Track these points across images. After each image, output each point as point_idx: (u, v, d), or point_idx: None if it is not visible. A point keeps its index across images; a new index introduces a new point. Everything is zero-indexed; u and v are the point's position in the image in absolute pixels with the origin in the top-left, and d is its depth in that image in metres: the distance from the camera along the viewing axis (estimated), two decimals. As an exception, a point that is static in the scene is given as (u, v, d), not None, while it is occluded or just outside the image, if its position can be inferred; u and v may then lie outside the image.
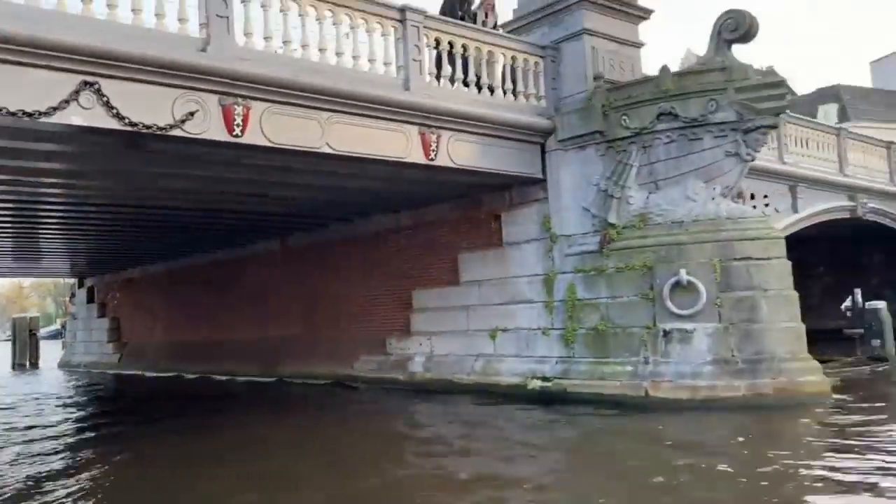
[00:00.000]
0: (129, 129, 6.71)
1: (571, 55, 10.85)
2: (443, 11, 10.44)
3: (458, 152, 9.68)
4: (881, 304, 13.05)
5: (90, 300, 25.94)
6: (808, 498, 5.13)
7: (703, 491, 5.46)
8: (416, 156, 9.19)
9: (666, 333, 9.09)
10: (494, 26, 11.11)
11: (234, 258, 17.63)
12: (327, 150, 8.30)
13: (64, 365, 26.83)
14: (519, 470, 6.50)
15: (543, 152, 10.75)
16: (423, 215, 12.72)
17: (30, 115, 6.22)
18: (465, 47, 10.04)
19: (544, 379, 10.16)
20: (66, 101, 6.37)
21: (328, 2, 8.52)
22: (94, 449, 8.55)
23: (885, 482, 5.31)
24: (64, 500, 5.89)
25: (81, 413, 12.60)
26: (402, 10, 9.26)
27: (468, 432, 8.43)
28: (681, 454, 6.63)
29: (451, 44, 9.89)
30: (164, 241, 16.65)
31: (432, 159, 9.32)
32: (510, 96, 10.59)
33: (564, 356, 10.10)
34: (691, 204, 9.46)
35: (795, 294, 9.15)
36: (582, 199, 10.31)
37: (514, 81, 10.68)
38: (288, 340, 15.76)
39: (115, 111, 6.59)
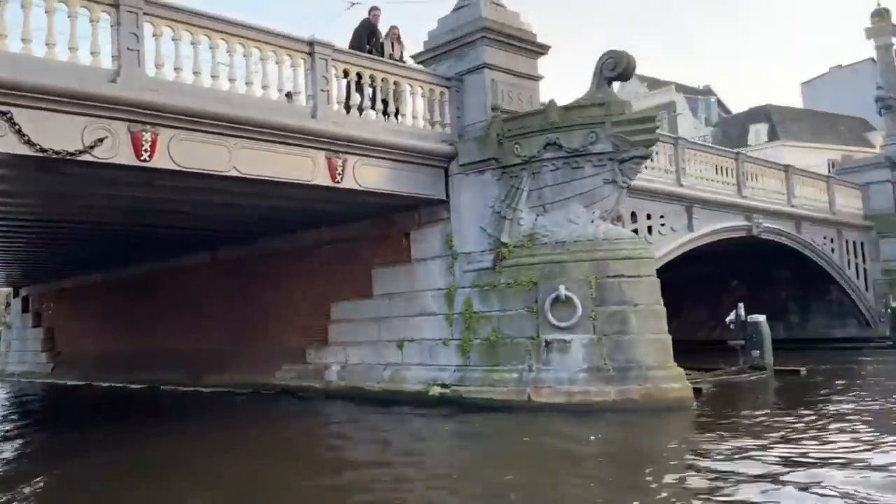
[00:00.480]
0: (39, 154, 7.33)
1: (473, 87, 11.78)
2: (352, 44, 11.25)
3: (364, 176, 10.48)
4: (761, 318, 14.22)
5: (25, 310, 25.91)
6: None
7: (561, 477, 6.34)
8: (323, 179, 9.96)
9: (547, 344, 10.01)
10: (401, 56, 11.96)
11: (165, 270, 18.07)
12: (235, 173, 9.02)
13: None
14: (385, 460, 7.31)
15: (447, 176, 11.62)
16: (341, 232, 13.46)
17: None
18: (372, 78, 10.88)
19: (443, 386, 10.98)
20: (-21, 129, 6.98)
21: (238, 35, 9.26)
22: (16, 462, 8.93)
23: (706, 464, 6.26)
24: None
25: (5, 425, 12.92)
26: (311, 43, 10.05)
27: (353, 432, 9.22)
28: (549, 447, 7.56)
29: (359, 74, 10.72)
30: (93, 253, 17.03)
31: (338, 182, 10.10)
32: (417, 123, 11.46)
33: (461, 364, 10.95)
34: (573, 226, 10.43)
35: (663, 309, 10.17)
36: (480, 220, 11.21)
37: (423, 109, 11.57)
38: (216, 351, 16.26)
39: (26, 138, 7.21)
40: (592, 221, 10.48)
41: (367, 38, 11.39)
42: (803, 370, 13.90)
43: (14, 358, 26.54)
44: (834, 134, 66.96)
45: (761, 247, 18.94)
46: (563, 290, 9.91)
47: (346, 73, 10.60)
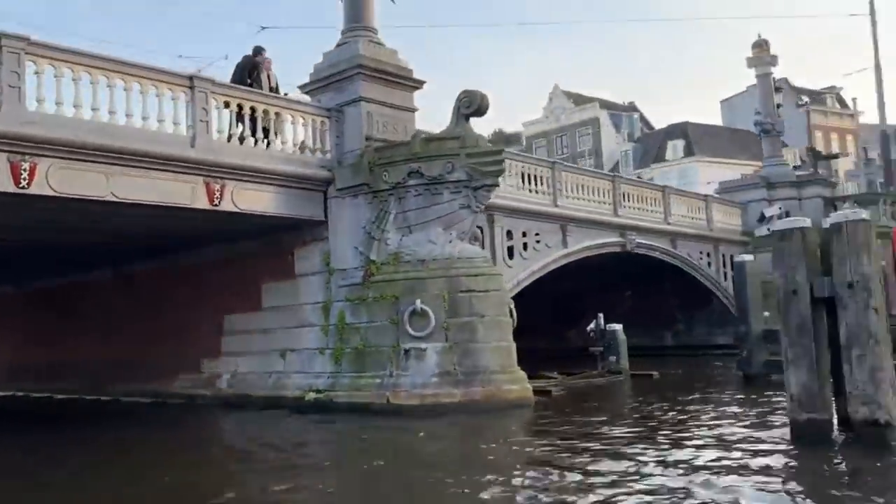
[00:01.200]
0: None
1: (352, 118, 12.89)
2: (234, 79, 12.25)
3: (242, 199, 11.47)
4: (618, 327, 15.75)
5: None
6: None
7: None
8: (202, 203, 10.91)
9: (406, 352, 11.17)
10: (276, 85, 12.98)
11: (73, 283, 18.55)
12: (112, 198, 9.91)
13: None
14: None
15: (326, 199, 12.70)
16: (235, 249, 14.31)
17: None
18: (253, 109, 11.89)
19: (318, 391, 12.01)
20: None
21: (118, 71, 10.16)
22: None
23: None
24: None
25: None
26: (191, 77, 11.02)
27: (226, 433, 10.20)
28: (390, 441, 8.73)
29: (240, 106, 11.71)
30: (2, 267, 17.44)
31: (216, 205, 11.06)
32: (298, 150, 12.51)
33: (334, 371, 12.01)
34: (432, 246, 11.64)
35: (508, 320, 11.47)
36: (354, 240, 12.31)
37: (308, 137, 12.64)
38: (121, 362, 16.85)
39: None
40: (450, 241, 11.71)
41: (249, 72, 12.39)
42: (656, 374, 15.46)
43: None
44: (748, 150, 70.67)
45: (649, 260, 20.63)
46: (419, 304, 11.10)
47: (227, 105, 11.58)
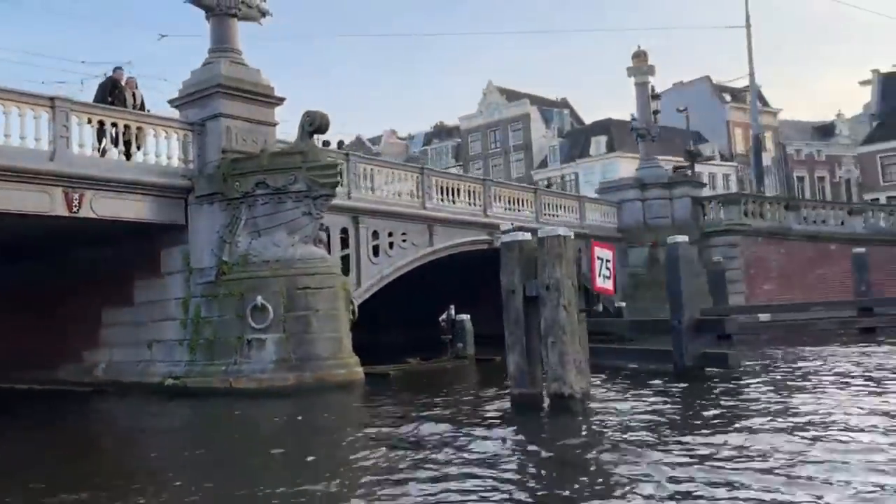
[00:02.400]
0: None
1: (212, 131, 14.35)
2: (97, 98, 13.61)
3: (102, 206, 12.87)
4: (466, 317, 17.65)
5: None
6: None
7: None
8: (61, 210, 12.29)
9: (248, 342, 12.78)
10: (142, 102, 14.37)
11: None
12: (86, 215, 11.26)
13: None
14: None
15: (187, 205, 14.16)
16: (111, 249, 15.61)
17: None
18: (114, 124, 13.27)
19: (175, 378, 13.51)
20: None
21: (-19, 95, 11.45)
22: None
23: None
24: None
25: None
26: (52, 98, 12.35)
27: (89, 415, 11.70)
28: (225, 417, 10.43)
29: (101, 122, 13.08)
30: None
31: (75, 212, 12.45)
32: (161, 160, 13.93)
33: (189, 360, 13.53)
34: (276, 249, 13.25)
35: (342, 313, 13.17)
36: (209, 242, 13.82)
37: (175, 149, 14.07)
38: (18, 351, 17.96)
39: None
40: (293, 245, 13.33)
41: (110, 91, 13.75)
42: (497, 358, 17.35)
43: None
44: (669, 146, 73.79)
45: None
46: (259, 300, 12.71)
47: (89, 121, 12.94)
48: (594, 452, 6.79)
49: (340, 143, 25.69)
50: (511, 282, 9.04)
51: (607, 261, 9.23)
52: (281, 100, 15.27)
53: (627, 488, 5.40)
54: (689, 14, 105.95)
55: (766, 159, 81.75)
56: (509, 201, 22.56)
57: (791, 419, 7.81)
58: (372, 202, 17.64)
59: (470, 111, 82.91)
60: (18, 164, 11.72)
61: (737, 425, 7.70)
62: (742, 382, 10.91)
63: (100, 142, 13.11)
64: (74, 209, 12.42)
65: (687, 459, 6.21)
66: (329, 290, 13.11)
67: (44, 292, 17.15)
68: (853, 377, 10.89)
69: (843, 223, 28.80)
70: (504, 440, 7.60)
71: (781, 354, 14.96)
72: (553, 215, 24.20)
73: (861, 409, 8.19)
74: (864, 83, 61.32)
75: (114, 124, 13.24)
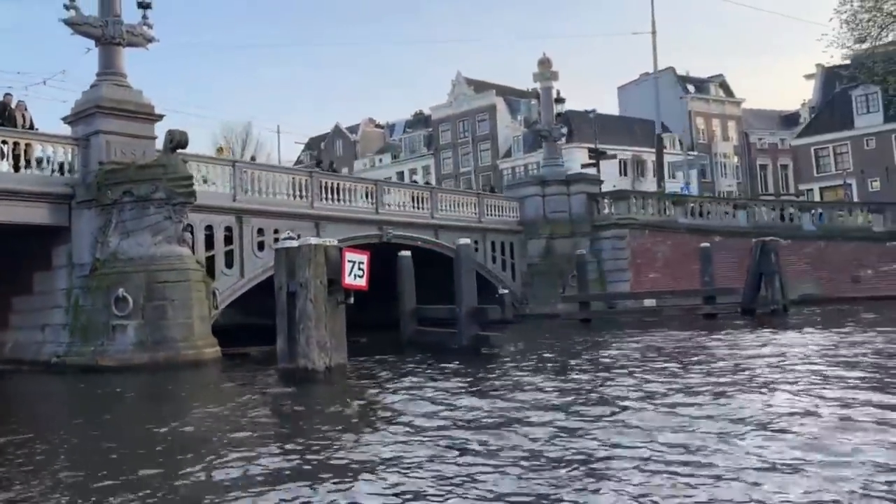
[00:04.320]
0: None
1: (94, 145, 16.70)
2: (-13, 120, 15.95)
3: (-10, 212, 15.24)
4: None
5: None
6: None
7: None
8: (-49, 216, 14.65)
9: (113, 327, 15.21)
10: (31, 122, 16.69)
11: None
12: None
13: None
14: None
15: (70, 209, 16.54)
16: (15, 245, 17.95)
17: None
18: (4, 142, 15.60)
19: (58, 357, 15.95)
20: None
21: None
22: None
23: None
24: None
25: None
26: (-56, 123, 14.69)
27: None
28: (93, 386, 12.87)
29: (-7, 141, 15.42)
30: None
31: (-36, 218, 14.81)
32: (46, 172, 16.27)
33: (69, 342, 15.96)
34: (140, 248, 15.66)
35: (196, 303, 15.57)
36: (87, 242, 16.22)
37: (65, 161, 16.42)
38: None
39: None
40: (156, 244, 15.74)
41: (1, 114, 16.09)
42: (364, 339, 19.82)
43: None
44: (627, 136, 76.27)
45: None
46: (121, 292, 15.14)
47: (-19, 140, 15.28)
48: (308, 404, 9.35)
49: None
50: (279, 280, 11.49)
51: (360, 263, 11.63)
52: (160, 116, 17.62)
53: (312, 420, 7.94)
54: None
55: (727, 147, 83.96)
56: (403, 198, 24.96)
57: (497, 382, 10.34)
58: (256, 203, 20.03)
59: (441, 101, 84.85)
60: (-89, 178, 14.06)
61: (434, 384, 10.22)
62: (491, 358, 13.47)
63: (-3, 157, 15.44)
64: (-38, 215, 14.77)
65: (367, 403, 8.75)
66: (185, 283, 15.53)
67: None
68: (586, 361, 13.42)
69: (734, 216, 31.31)
70: (263, 395, 10.16)
71: (581, 339, 17.51)
72: (448, 211, 26.62)
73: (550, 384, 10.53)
74: (808, 77, 63.43)
75: (3, 141, 15.56)
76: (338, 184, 23.01)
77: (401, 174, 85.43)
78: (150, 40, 17.89)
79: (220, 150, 39.38)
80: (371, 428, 7.70)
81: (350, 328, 20.13)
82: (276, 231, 20.43)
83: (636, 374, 10.63)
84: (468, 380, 10.90)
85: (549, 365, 12.82)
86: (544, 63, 31.54)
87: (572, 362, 12.97)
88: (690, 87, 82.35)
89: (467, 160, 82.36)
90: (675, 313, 23.23)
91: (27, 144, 16.03)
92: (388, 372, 12.31)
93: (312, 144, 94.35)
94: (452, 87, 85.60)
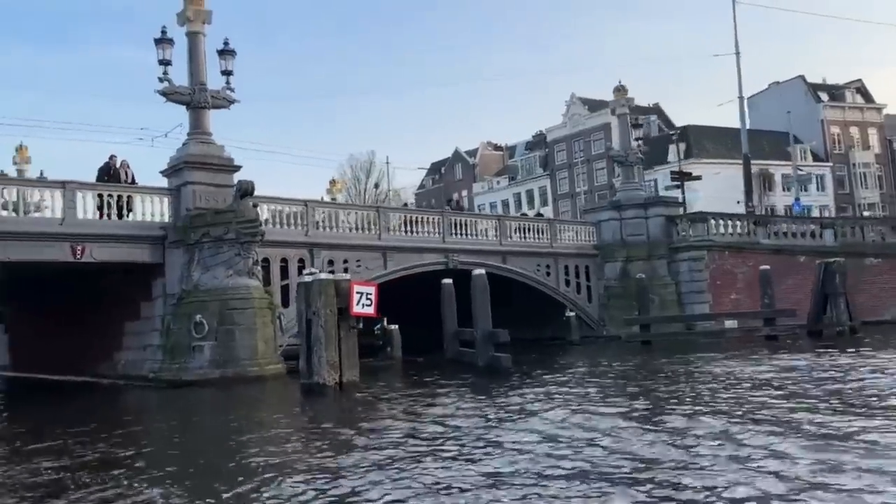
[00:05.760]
0: None
1: (184, 194, 19.80)
2: (98, 178, 19.38)
3: (100, 253, 18.56)
4: (395, 327, 22.11)
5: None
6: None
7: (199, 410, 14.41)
8: (68, 257, 18.07)
9: (193, 348, 18.02)
10: (132, 178, 20.02)
11: (42, 304, 26.30)
12: (5, 258, 17.17)
13: None
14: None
15: (164, 248, 19.67)
16: (126, 279, 21.38)
17: None
18: (110, 195, 18.97)
19: (154, 372, 19.01)
20: None
21: (7, 184, 17.39)
22: None
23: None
24: None
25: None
26: (64, 183, 18.18)
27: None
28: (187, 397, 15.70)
29: (100, 195, 18.80)
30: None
31: (79, 258, 18.19)
32: (146, 217, 19.51)
33: (162, 360, 18.97)
34: (216, 280, 18.44)
35: (259, 327, 18.08)
36: (177, 275, 19.24)
37: (159, 209, 19.65)
38: (76, 353, 24.40)
39: None
40: (228, 277, 18.48)
41: (106, 172, 19.52)
42: (421, 359, 21.66)
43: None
44: (752, 149, 73.67)
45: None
46: (199, 317, 17.93)
47: (100, 196, 18.70)
48: (315, 412, 11.42)
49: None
50: (300, 309, 13.62)
51: (368, 294, 13.53)
52: (238, 167, 20.50)
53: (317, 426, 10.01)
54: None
55: (867, 157, 78.96)
56: (469, 227, 26.69)
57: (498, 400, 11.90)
58: (326, 237, 22.54)
59: (556, 122, 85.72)
60: (38, 228, 17.61)
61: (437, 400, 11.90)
62: (503, 378, 14.83)
63: (101, 208, 18.84)
64: (78, 256, 18.17)
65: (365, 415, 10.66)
66: (250, 311, 18.12)
67: (87, 311, 23.35)
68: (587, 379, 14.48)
69: (820, 236, 30.47)
70: (284, 405, 12.34)
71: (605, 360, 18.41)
72: (516, 238, 28.01)
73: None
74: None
75: (109, 195, 18.94)
76: (405, 216, 25.11)
77: (517, 195, 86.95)
78: (232, 102, 20.89)
79: (333, 182, 42.63)
80: (339, 430, 9.53)
81: (421, 350, 22.38)
82: (345, 261, 22.82)
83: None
84: (454, 398, 12.38)
85: (552, 390, 13.85)
86: (619, 90, 32.32)
87: (578, 390, 13.94)
88: (823, 95, 78.27)
89: (583, 180, 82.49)
90: (736, 335, 23.27)
91: (129, 197, 19.33)
92: (392, 388, 14.08)
93: (433, 169, 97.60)
94: (566, 108, 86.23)
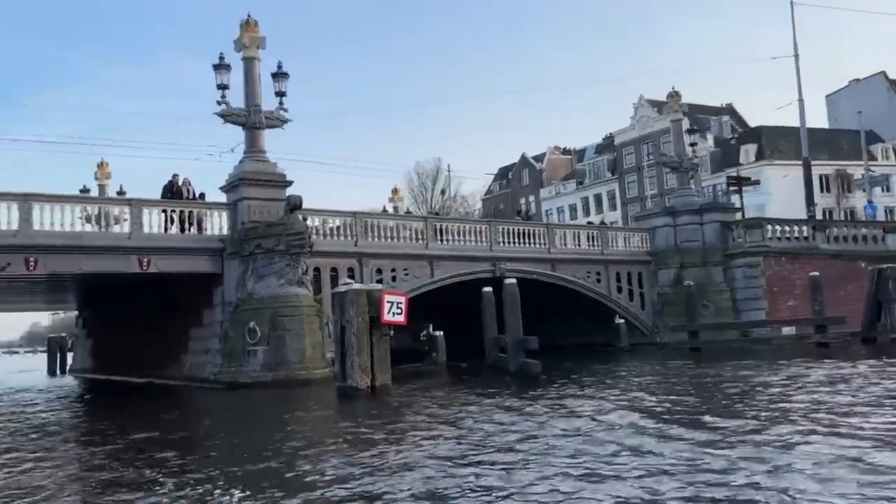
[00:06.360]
0: None
1: (240, 209, 21.17)
2: (162, 194, 20.98)
3: (164, 264, 20.10)
4: (440, 333, 22.86)
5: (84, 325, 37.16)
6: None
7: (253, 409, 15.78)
8: (135, 269, 19.67)
9: (247, 352, 19.29)
10: (194, 194, 21.52)
11: (122, 312, 28.35)
12: (79, 270, 18.88)
13: (72, 371, 37.90)
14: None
15: (223, 260, 21.07)
16: (190, 288, 22.94)
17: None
18: (172, 211, 20.51)
19: (215, 374, 20.40)
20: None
21: (77, 202, 19.11)
22: None
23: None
24: None
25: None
26: (130, 200, 19.81)
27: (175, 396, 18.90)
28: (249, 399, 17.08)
29: (164, 210, 20.36)
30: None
31: (145, 269, 19.77)
32: (206, 231, 20.98)
33: (221, 363, 20.33)
34: (268, 289, 19.68)
35: (308, 333, 19.18)
36: (234, 285, 20.59)
37: (218, 223, 21.12)
38: (147, 357, 26.27)
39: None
40: (279, 286, 19.68)
41: (170, 189, 21.08)
42: (464, 365, 22.33)
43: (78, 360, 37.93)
44: (830, 149, 71.43)
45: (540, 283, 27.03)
46: (252, 324, 19.19)
47: (164, 212, 20.29)
48: (350, 414, 12.37)
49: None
50: (336, 317, 14.58)
51: (399, 303, 14.35)
52: (290, 182, 21.75)
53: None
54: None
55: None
56: (517, 235, 27.22)
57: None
58: (374, 247, 23.56)
59: (624, 125, 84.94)
60: (107, 242, 19.27)
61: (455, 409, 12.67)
62: (531, 383, 15.39)
63: (166, 223, 20.41)
64: (144, 267, 19.75)
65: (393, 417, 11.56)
66: (299, 317, 19.26)
67: (158, 318, 25.13)
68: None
69: (883, 240, 29.55)
70: (321, 406, 13.35)
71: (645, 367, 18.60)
72: (565, 245, 28.36)
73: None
74: None
75: (172, 211, 20.48)
76: (450, 226, 25.88)
77: (585, 200, 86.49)
78: (285, 122, 22.15)
79: (395, 191, 43.77)
80: (358, 428, 10.41)
81: (466, 356, 23.13)
82: (393, 270, 23.79)
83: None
84: (472, 402, 13.03)
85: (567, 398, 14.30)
86: (673, 96, 32.24)
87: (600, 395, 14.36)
88: (915, 92, 74.91)
89: (652, 183, 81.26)
90: (785, 342, 22.98)
91: (190, 212, 20.84)
92: (421, 391, 14.83)
93: (500, 174, 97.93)
94: (634, 111, 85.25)
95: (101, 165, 30.64)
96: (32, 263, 18.11)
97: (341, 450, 8.67)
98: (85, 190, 29.86)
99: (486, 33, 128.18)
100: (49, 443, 11.19)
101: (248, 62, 21.49)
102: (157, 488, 6.83)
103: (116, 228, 19.75)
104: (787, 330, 26.89)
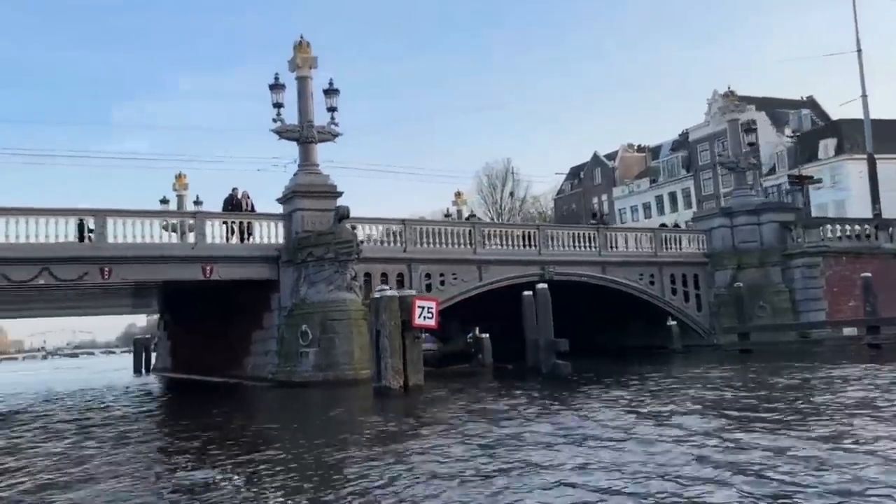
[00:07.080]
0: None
1: (295, 219, 22.54)
2: (223, 207, 22.55)
3: (225, 272, 21.66)
4: (485, 336, 23.58)
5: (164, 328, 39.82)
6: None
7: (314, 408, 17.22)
8: (199, 276, 21.28)
9: (300, 353, 20.58)
10: (251, 206, 23.01)
11: (193, 315, 30.34)
12: (153, 278, 20.62)
13: (155, 370, 40.65)
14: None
15: (279, 266, 22.48)
16: (250, 295, 24.48)
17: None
18: (232, 222, 22.06)
19: (273, 374, 21.82)
20: None
21: (156, 216, 20.87)
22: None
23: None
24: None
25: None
26: (195, 213, 21.47)
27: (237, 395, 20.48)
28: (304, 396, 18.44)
29: (225, 222, 21.93)
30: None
31: (208, 277, 21.36)
32: (263, 240, 22.45)
33: (278, 363, 21.72)
34: (319, 294, 20.93)
35: (355, 336, 20.29)
36: (288, 290, 21.96)
37: (272, 233, 22.58)
38: (212, 359, 28.08)
39: (57, 277, 19.27)
40: (329, 291, 20.90)
41: (230, 202, 22.63)
42: (510, 366, 22.95)
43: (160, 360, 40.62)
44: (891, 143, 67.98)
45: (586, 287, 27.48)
46: (305, 327, 20.46)
47: (225, 223, 21.87)
48: (380, 410, 13.40)
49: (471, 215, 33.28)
50: (371, 321, 15.59)
51: (430, 308, 15.22)
52: (340, 193, 22.97)
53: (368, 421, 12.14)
54: None
55: None
56: (567, 239, 27.65)
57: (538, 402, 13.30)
58: (423, 253, 24.51)
59: (698, 121, 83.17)
60: (176, 252, 20.96)
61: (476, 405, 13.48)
62: (560, 385, 15.96)
63: (228, 233, 21.98)
64: (207, 275, 21.35)
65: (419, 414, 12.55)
66: (347, 321, 20.42)
67: (226, 321, 26.88)
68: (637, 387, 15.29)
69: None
70: (359, 403, 14.48)
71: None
72: (617, 248, 28.55)
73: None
74: None
75: (233, 222, 22.04)
76: (499, 231, 26.58)
77: (659, 198, 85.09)
78: (336, 135, 23.40)
79: (458, 194, 44.64)
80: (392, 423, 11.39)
81: (513, 357, 23.79)
82: (441, 275, 24.69)
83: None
84: (495, 401, 13.77)
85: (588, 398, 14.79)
86: (728, 97, 31.93)
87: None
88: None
89: (728, 181, 79.15)
90: (837, 344, 22.58)
91: (248, 223, 22.35)
92: (451, 391, 15.64)
93: (572, 174, 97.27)
94: (709, 107, 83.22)
95: (178, 177, 32.93)
96: (107, 272, 19.92)
97: (354, 441, 9.67)
98: (164, 201, 32.26)
99: (554, 32, 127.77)
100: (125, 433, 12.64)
101: (302, 81, 22.83)
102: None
103: (191, 237, 21.39)
104: (849, 331, 26.30)
